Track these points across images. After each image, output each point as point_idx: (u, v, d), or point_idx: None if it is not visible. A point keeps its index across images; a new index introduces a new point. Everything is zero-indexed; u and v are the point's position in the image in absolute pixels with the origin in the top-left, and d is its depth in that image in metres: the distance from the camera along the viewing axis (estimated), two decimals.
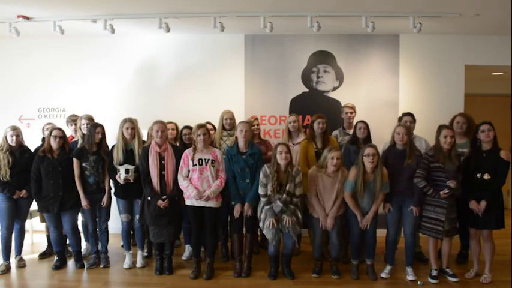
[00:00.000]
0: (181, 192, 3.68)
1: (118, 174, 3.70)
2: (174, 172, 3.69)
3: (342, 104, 4.75)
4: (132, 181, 3.70)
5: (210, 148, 3.72)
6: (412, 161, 3.51)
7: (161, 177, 3.66)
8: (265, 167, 3.55)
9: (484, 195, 3.43)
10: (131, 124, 3.76)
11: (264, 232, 3.62)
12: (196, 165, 3.59)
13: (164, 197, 3.62)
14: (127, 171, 3.67)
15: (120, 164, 3.71)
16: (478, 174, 3.46)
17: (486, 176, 3.43)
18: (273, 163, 3.52)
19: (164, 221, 3.64)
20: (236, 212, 3.64)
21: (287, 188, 3.51)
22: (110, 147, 3.93)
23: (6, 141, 3.79)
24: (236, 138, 3.73)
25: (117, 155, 3.72)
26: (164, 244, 3.77)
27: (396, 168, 3.55)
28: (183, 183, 3.62)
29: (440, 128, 3.55)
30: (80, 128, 4.09)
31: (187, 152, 3.65)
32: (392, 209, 3.62)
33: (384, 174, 3.49)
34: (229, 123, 4.22)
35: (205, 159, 3.61)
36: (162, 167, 3.66)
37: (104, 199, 3.83)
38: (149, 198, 3.64)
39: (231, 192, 3.66)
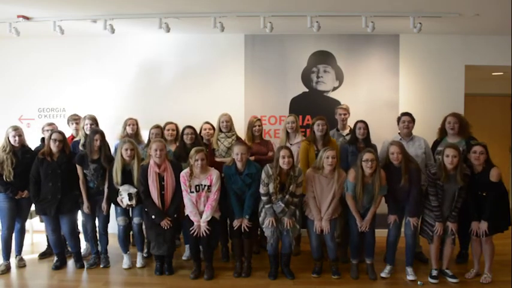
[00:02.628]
0: (181, 206, 3.71)
1: (120, 197, 3.70)
2: (173, 191, 3.69)
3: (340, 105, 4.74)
4: (134, 206, 3.74)
5: (207, 171, 3.66)
6: (406, 180, 3.48)
7: (161, 196, 3.66)
8: (268, 167, 3.56)
9: (484, 215, 3.44)
10: (130, 145, 3.72)
11: (263, 230, 3.65)
12: (193, 192, 3.60)
13: (170, 219, 3.64)
14: (130, 196, 3.67)
15: (120, 185, 3.71)
16: (479, 192, 3.48)
17: (485, 194, 3.46)
18: (276, 165, 3.52)
19: (164, 237, 3.66)
20: (235, 224, 3.67)
21: (290, 188, 3.52)
22: (111, 148, 3.95)
23: (9, 141, 3.77)
24: (233, 159, 3.69)
25: (116, 176, 3.71)
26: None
27: (394, 185, 3.53)
28: (189, 206, 3.63)
29: (445, 147, 3.53)
30: (83, 128, 4.10)
31: (185, 176, 3.61)
32: (398, 221, 3.64)
33: (382, 177, 3.49)
34: (225, 125, 4.22)
35: (202, 185, 3.61)
36: (162, 188, 3.65)
37: (103, 205, 3.81)
38: (153, 217, 3.64)
39: (234, 208, 3.67)
